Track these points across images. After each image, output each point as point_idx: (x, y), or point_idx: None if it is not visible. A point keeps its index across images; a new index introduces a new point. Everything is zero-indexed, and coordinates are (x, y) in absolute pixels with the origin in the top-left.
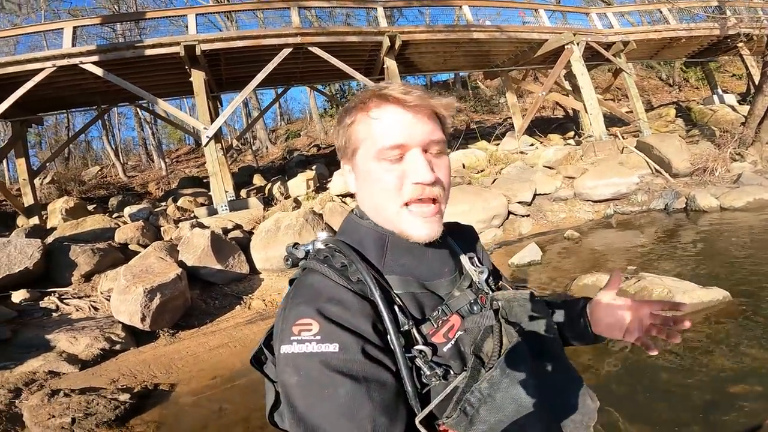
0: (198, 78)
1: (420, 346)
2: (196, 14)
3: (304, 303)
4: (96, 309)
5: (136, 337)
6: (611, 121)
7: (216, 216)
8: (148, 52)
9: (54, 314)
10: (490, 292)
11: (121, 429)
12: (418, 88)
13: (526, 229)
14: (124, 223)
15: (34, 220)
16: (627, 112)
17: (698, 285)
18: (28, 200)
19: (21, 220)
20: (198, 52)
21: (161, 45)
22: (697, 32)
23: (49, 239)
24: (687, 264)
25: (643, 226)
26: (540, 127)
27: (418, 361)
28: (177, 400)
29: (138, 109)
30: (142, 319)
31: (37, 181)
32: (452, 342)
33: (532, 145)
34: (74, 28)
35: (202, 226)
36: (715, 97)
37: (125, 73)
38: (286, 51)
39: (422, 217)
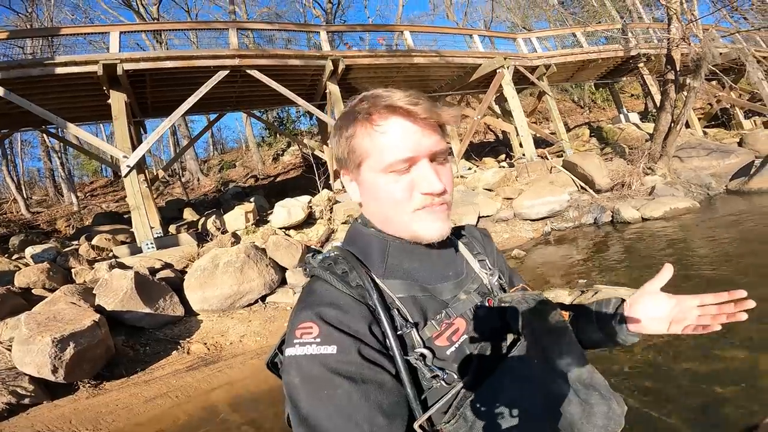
0: (118, 100)
1: (420, 349)
2: (120, 32)
3: (306, 308)
4: None
5: (50, 389)
6: (537, 142)
7: (140, 255)
8: (60, 70)
9: None
10: (500, 295)
11: None
12: (423, 98)
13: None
14: (26, 265)
15: None
16: (550, 134)
17: None
18: None
19: None
20: (119, 71)
21: (75, 63)
22: (606, 54)
23: None
24: (626, 272)
25: (578, 240)
26: (475, 151)
27: (418, 364)
28: None
29: (45, 136)
30: (54, 371)
31: None
32: (456, 345)
33: (470, 168)
34: None
35: (123, 266)
36: (622, 116)
37: (31, 94)
38: (223, 73)
39: (432, 215)
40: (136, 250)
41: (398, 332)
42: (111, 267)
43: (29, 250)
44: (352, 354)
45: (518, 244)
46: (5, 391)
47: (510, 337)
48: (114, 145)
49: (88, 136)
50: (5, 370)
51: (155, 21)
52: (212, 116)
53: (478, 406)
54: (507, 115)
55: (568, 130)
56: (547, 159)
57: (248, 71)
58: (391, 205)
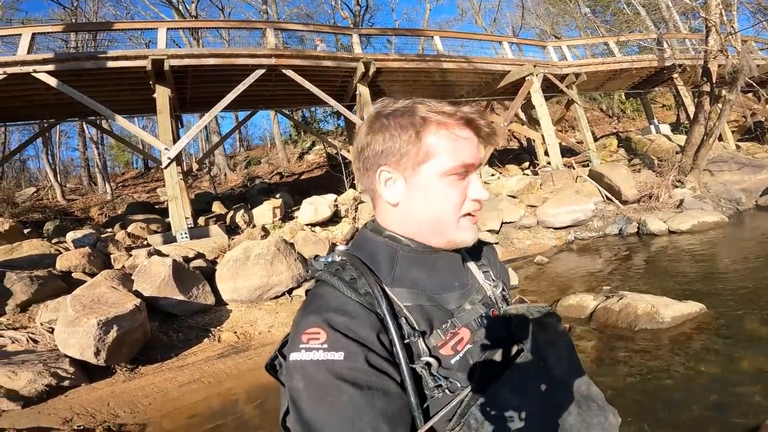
0: (162, 95)
1: (425, 358)
2: (168, 28)
3: (313, 313)
4: (35, 341)
5: (88, 372)
6: (562, 151)
7: (174, 244)
8: (111, 64)
9: None
10: (504, 306)
11: None
12: (486, 118)
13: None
14: (66, 249)
15: None
16: (577, 143)
17: (675, 300)
18: None
19: None
20: (166, 67)
21: (126, 57)
22: (640, 64)
23: None
24: (650, 283)
25: (601, 250)
26: (498, 158)
27: (423, 373)
28: None
29: (85, 128)
30: (96, 354)
31: None
32: (460, 355)
33: (493, 175)
34: (33, 35)
35: (160, 254)
36: (652, 127)
37: (80, 86)
38: (260, 72)
39: (472, 224)
40: (168, 239)
41: (405, 340)
42: (149, 254)
43: (70, 235)
44: (358, 361)
45: (540, 251)
46: (47, 373)
47: (513, 348)
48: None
49: (132, 127)
50: (46, 351)
51: (194, 18)
52: (244, 113)
53: (481, 414)
54: (533, 122)
55: (596, 139)
56: (573, 168)
57: (284, 71)
58: (446, 207)
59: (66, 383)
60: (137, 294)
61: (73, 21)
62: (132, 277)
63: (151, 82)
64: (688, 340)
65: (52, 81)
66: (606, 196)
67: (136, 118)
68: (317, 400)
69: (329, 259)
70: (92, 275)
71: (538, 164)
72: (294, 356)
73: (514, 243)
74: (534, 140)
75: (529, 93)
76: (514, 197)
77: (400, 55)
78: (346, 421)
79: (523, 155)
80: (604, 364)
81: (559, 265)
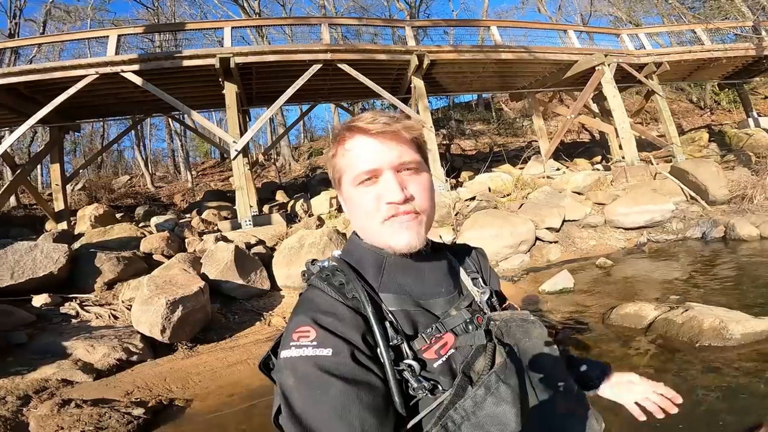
0: (231, 91)
1: (408, 360)
2: (232, 27)
3: (303, 313)
4: (116, 318)
5: (154, 348)
6: (641, 145)
7: (239, 230)
8: (186, 63)
9: (73, 320)
10: (489, 312)
11: None
12: (385, 116)
13: (555, 255)
14: (150, 233)
15: (63, 226)
16: (659, 136)
17: (750, 315)
18: (58, 205)
19: (50, 225)
20: (232, 64)
21: (198, 56)
22: (733, 52)
23: (76, 245)
24: (730, 294)
25: (679, 255)
26: (566, 152)
27: (406, 374)
28: (192, 417)
29: (169, 121)
30: (162, 331)
31: (68, 187)
32: (443, 359)
33: (558, 169)
34: (118, 36)
35: (226, 239)
36: (750, 120)
37: (162, 84)
38: (316, 67)
39: (400, 224)
40: (236, 226)
41: (390, 343)
42: (217, 239)
43: (154, 220)
44: (345, 357)
45: (605, 252)
46: (119, 348)
47: (495, 353)
48: (225, 131)
49: (206, 122)
50: (123, 327)
51: (258, 16)
52: (305, 106)
53: (459, 417)
54: (605, 114)
55: (682, 133)
56: (652, 164)
57: (338, 65)
58: (364, 216)
59: (134, 358)
60: (204, 277)
61: (156, 20)
62: (201, 261)
63: (220, 79)
64: (756, 362)
65: (138, 80)
66: (690, 195)
67: (213, 112)
68: (307, 395)
69: (324, 264)
70: (169, 257)
71: (611, 159)
72: (285, 353)
73: (575, 243)
74: (608, 133)
75: (600, 83)
76: (579, 194)
77: (454, 47)
78: (334, 413)
79: (594, 149)
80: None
81: (625, 270)
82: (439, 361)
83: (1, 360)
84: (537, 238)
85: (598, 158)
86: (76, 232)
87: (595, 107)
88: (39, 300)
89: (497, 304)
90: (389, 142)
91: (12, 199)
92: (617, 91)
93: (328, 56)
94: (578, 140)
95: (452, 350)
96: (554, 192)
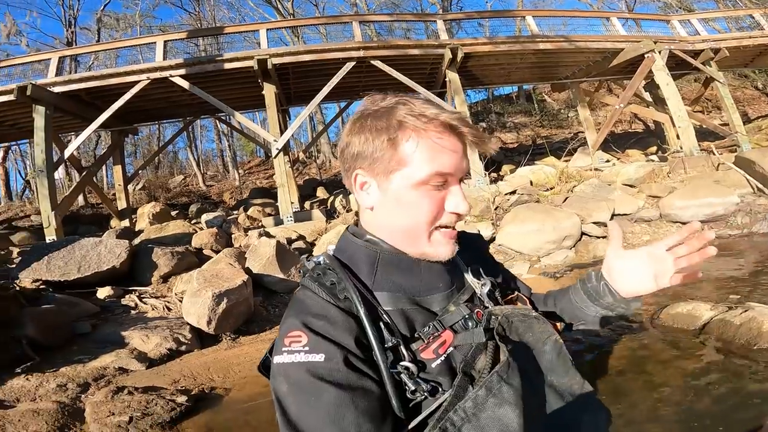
0: (269, 91)
1: (405, 363)
2: (267, 29)
3: (293, 317)
4: (169, 309)
5: (201, 339)
6: (702, 134)
7: (282, 226)
8: (226, 65)
9: (132, 312)
10: (490, 306)
11: (172, 431)
12: (471, 123)
13: (602, 251)
14: (201, 229)
15: (125, 223)
16: (721, 125)
17: None
18: (121, 204)
19: (114, 222)
20: (269, 65)
21: (237, 59)
22: None
23: (136, 241)
24: None
25: (744, 251)
26: (616, 143)
27: (403, 377)
28: (229, 405)
29: (217, 122)
30: (208, 322)
31: (130, 187)
32: (442, 358)
33: (607, 161)
34: (164, 42)
35: (268, 235)
36: None
37: (206, 86)
38: (350, 64)
39: (447, 238)
40: (279, 222)
41: (385, 345)
42: (260, 235)
43: (204, 217)
44: (338, 362)
45: None
46: (170, 338)
47: (496, 351)
48: (266, 130)
49: (248, 122)
50: (175, 319)
51: (291, 17)
52: (343, 103)
53: (459, 419)
54: (660, 102)
55: (748, 121)
56: (714, 154)
57: (371, 62)
58: (417, 219)
59: (183, 348)
60: (248, 271)
61: (199, 24)
62: (245, 256)
63: (259, 80)
64: None
65: (185, 84)
66: (756, 187)
67: (257, 113)
68: (301, 401)
69: (318, 260)
70: (217, 252)
71: (667, 149)
72: (277, 359)
73: (627, 238)
74: (663, 123)
75: (651, 71)
76: (631, 186)
77: (488, 39)
78: (329, 420)
79: (648, 139)
80: (699, 382)
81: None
82: (438, 361)
83: (67, 349)
84: (583, 233)
85: (653, 149)
86: (136, 229)
87: (647, 96)
88: (103, 292)
89: (500, 296)
90: (465, 150)
91: (80, 199)
92: (671, 79)
93: (361, 53)
94: (630, 130)
95: (451, 348)
96: (602, 185)
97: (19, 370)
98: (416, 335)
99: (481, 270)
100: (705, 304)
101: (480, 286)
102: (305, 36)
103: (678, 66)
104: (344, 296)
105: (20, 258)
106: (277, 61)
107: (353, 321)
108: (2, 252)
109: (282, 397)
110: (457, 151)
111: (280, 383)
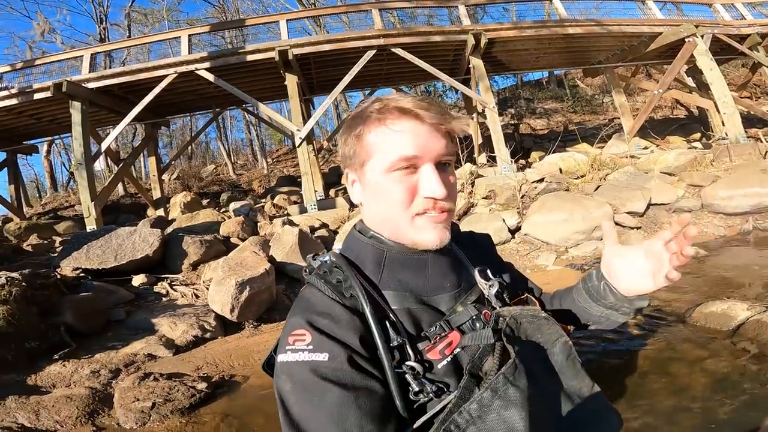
0: (291, 81)
1: (410, 363)
2: (287, 20)
3: (298, 315)
4: (197, 297)
5: (225, 326)
6: (749, 121)
7: (306, 214)
8: (249, 57)
9: (163, 299)
10: (498, 307)
11: (190, 417)
12: (434, 104)
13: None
14: (229, 217)
15: (160, 212)
16: None
17: None
18: (156, 194)
19: (150, 211)
20: (290, 56)
21: (258, 51)
22: None
23: (168, 229)
24: None
25: None
26: (656, 129)
27: (408, 377)
28: (246, 392)
29: (245, 113)
30: (231, 310)
31: (165, 177)
32: (449, 359)
33: (645, 148)
34: (189, 36)
35: (292, 223)
36: None
37: (232, 78)
38: (370, 53)
39: (432, 222)
40: (303, 210)
41: (390, 344)
42: (284, 223)
43: (232, 205)
44: (342, 362)
45: (700, 241)
46: (196, 325)
47: (504, 352)
48: (290, 120)
49: (272, 112)
50: (202, 306)
51: (313, 6)
52: (366, 91)
53: (463, 421)
54: (703, 88)
55: None
56: (762, 141)
57: (392, 49)
58: (393, 207)
59: (208, 335)
60: (271, 259)
61: (224, 17)
62: (269, 244)
63: (281, 71)
64: None
65: (210, 76)
66: None
67: (283, 103)
68: (304, 401)
69: (325, 258)
70: (243, 240)
71: (711, 136)
72: (281, 357)
73: (663, 229)
74: (707, 109)
75: (692, 56)
76: (671, 174)
77: (513, 24)
78: (331, 420)
79: (691, 125)
80: (725, 387)
81: (720, 261)
82: (444, 362)
83: (103, 335)
84: (615, 223)
85: (697, 135)
86: (169, 218)
87: (690, 81)
88: (137, 280)
89: (508, 297)
90: (436, 132)
91: (120, 189)
92: (715, 64)
93: (381, 41)
94: (671, 116)
95: (458, 349)
96: (638, 173)
97: (57, 357)
98: (423, 335)
99: (489, 271)
100: (742, 303)
101: (488, 286)
102: (327, 25)
103: (722, 51)
104: (350, 294)
105: (61, 247)
106: (297, 51)
107: (358, 319)
108: (45, 241)
109: (285, 396)
110: (419, 134)
111: (284, 382)
